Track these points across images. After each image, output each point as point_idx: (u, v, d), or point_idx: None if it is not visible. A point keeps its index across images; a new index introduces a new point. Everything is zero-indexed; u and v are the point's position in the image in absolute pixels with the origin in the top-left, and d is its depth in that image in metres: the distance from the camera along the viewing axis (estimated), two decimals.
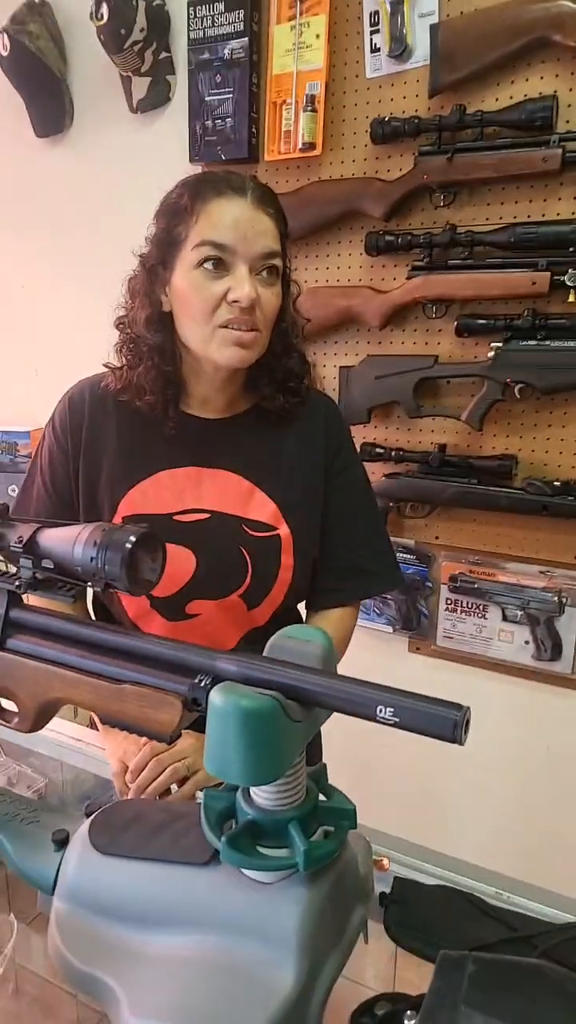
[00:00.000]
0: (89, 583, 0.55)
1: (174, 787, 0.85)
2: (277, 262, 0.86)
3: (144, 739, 0.85)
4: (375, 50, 1.45)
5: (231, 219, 0.82)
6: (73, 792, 0.93)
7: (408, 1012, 0.50)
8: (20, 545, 0.56)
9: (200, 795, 0.85)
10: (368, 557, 1.02)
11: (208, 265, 0.82)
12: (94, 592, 1.00)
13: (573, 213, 1.34)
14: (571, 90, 1.31)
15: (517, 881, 0.73)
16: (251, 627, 0.94)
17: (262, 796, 0.52)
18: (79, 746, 0.97)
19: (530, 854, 1.57)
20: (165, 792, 0.84)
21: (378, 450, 1.56)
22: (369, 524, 1.03)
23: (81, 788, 0.93)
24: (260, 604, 0.93)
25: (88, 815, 0.62)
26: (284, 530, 0.93)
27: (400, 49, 1.41)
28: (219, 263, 0.82)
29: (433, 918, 0.65)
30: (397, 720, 0.47)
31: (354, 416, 1.56)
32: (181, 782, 0.85)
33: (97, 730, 0.97)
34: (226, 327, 0.84)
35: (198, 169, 1.65)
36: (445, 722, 0.45)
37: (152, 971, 0.52)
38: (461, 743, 0.46)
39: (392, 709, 0.47)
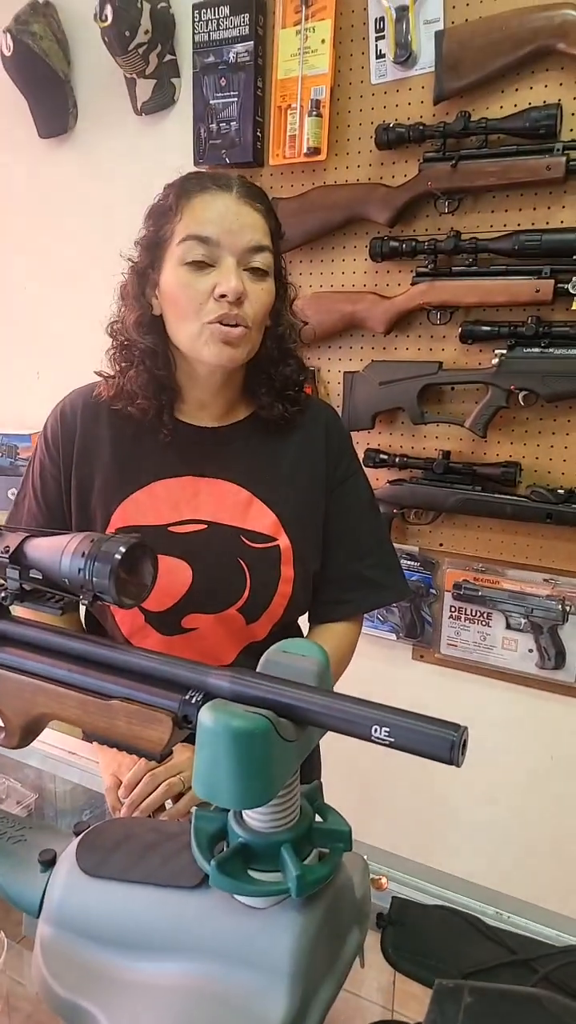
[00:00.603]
0: (77, 595, 0.54)
1: (168, 803, 0.83)
2: (265, 257, 0.84)
3: None
4: (380, 56, 1.44)
5: (215, 213, 0.81)
6: (66, 807, 0.91)
7: None
8: (6, 555, 0.55)
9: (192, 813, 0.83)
10: (374, 568, 1.00)
11: (194, 262, 0.81)
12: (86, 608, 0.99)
13: None
14: (575, 98, 1.30)
15: (518, 900, 0.71)
16: (250, 641, 0.92)
17: (254, 818, 0.51)
18: (72, 759, 0.95)
19: (534, 870, 1.55)
20: (159, 808, 0.82)
21: (382, 456, 1.55)
22: (374, 534, 1.01)
23: (75, 803, 0.92)
24: (259, 618, 0.91)
25: (77, 834, 0.60)
26: (284, 541, 0.91)
27: (405, 55, 1.40)
28: (204, 259, 0.81)
29: (431, 940, 0.63)
30: (392, 740, 0.45)
31: (358, 422, 1.55)
32: (176, 798, 0.83)
33: (91, 743, 0.96)
34: (214, 323, 0.82)
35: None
36: (442, 743, 0.44)
37: (138, 1000, 0.51)
38: (458, 765, 0.44)
39: (388, 729, 0.45)
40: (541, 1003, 0.46)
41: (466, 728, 0.45)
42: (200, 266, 0.81)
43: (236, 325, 0.82)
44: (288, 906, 0.50)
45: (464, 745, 0.44)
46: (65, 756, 0.96)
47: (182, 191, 0.83)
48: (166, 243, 0.83)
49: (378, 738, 0.46)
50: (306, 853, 0.52)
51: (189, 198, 0.82)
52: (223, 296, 0.80)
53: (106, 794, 0.84)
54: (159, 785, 0.81)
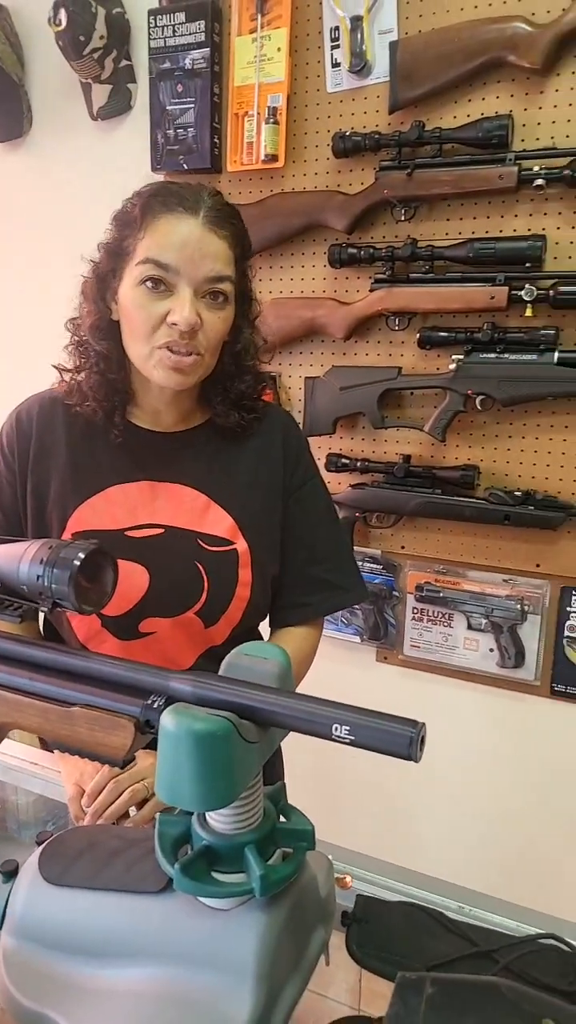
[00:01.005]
0: (36, 602, 0.53)
1: (132, 810, 0.82)
2: (225, 287, 0.83)
3: None
4: (336, 65, 1.46)
5: (178, 239, 0.79)
6: (28, 818, 0.90)
7: None
8: None
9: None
10: (333, 571, 1.01)
11: (150, 284, 0.80)
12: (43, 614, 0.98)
13: (529, 230, 1.36)
14: (525, 110, 1.34)
15: (480, 895, 0.72)
16: (208, 646, 0.92)
17: (217, 820, 0.51)
18: (34, 770, 0.94)
19: (496, 865, 1.58)
20: (123, 816, 0.81)
21: (344, 461, 1.56)
22: (332, 538, 1.02)
23: (37, 814, 0.90)
24: (217, 622, 0.91)
25: (39, 844, 0.60)
26: (242, 545, 0.92)
27: (360, 65, 1.42)
28: (162, 282, 0.80)
29: (395, 936, 0.64)
30: (353, 739, 0.46)
31: (320, 427, 1.56)
32: (140, 804, 0.82)
33: (52, 752, 0.95)
34: (164, 348, 0.81)
35: (160, 178, 1.64)
36: (400, 739, 0.45)
37: (104, 1007, 0.51)
38: (416, 760, 0.45)
39: (348, 727, 0.46)
40: (500, 990, 0.48)
41: (423, 724, 0.46)
42: (157, 288, 0.80)
43: (188, 353, 0.82)
44: (252, 906, 0.50)
45: (422, 741, 0.45)
46: (27, 767, 0.95)
47: (148, 207, 0.81)
48: (127, 256, 0.83)
49: (338, 736, 0.46)
50: (270, 853, 0.52)
51: (155, 216, 0.80)
52: (175, 324, 0.80)
53: (69, 804, 0.83)
54: (123, 792, 0.80)
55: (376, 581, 1.61)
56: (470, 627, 1.55)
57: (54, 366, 0.91)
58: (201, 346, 0.82)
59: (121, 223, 0.84)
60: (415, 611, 1.60)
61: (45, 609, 0.53)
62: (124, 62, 1.65)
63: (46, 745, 1.01)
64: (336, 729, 0.46)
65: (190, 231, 0.80)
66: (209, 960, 0.49)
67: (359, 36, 1.42)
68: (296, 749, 1.01)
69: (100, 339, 0.86)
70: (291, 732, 0.51)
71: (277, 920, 0.51)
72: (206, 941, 0.50)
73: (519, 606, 1.49)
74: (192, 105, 1.56)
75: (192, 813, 0.53)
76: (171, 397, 0.90)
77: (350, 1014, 0.61)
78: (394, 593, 1.62)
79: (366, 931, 0.65)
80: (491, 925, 0.69)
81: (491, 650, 1.54)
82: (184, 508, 0.90)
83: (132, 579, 0.88)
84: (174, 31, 1.55)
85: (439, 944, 0.64)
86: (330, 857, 0.61)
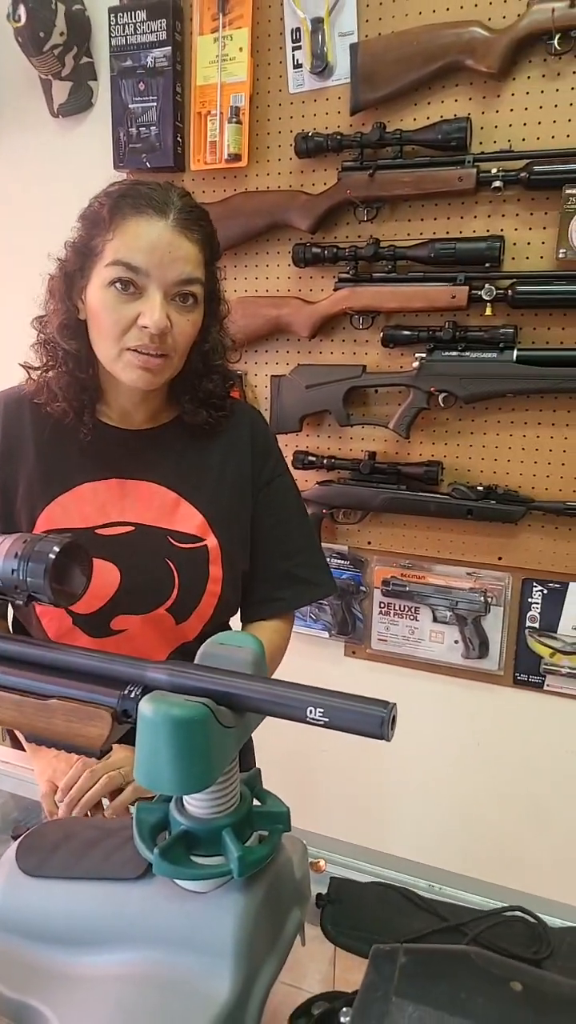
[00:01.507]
0: (10, 597, 0.54)
1: (105, 801, 0.83)
2: (195, 289, 0.83)
3: (75, 757, 0.83)
4: (297, 66, 1.48)
5: (147, 242, 0.79)
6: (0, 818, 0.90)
7: (344, 1009, 0.51)
8: None
9: (132, 809, 0.84)
10: (304, 565, 1.02)
11: (119, 286, 0.80)
12: (13, 612, 0.97)
13: (488, 231, 1.39)
14: (483, 113, 1.37)
15: (449, 873, 0.75)
16: (180, 642, 0.93)
17: (195, 804, 0.52)
18: (5, 768, 0.93)
19: (463, 846, 1.62)
20: (97, 807, 0.82)
21: (310, 458, 1.58)
22: (302, 533, 1.04)
23: (7, 813, 0.90)
24: (188, 618, 0.92)
25: (15, 838, 0.60)
26: (212, 541, 0.92)
27: (321, 66, 1.44)
28: (131, 284, 0.80)
29: (368, 915, 0.66)
30: (327, 720, 0.48)
31: (286, 424, 1.58)
32: (115, 795, 0.83)
33: (23, 750, 0.94)
34: (134, 350, 0.81)
35: (123, 176, 1.64)
36: (372, 720, 0.46)
37: (86, 993, 0.51)
38: (388, 739, 0.47)
39: (322, 709, 0.47)
40: (470, 957, 0.50)
41: (394, 704, 0.48)
42: (127, 290, 0.80)
43: (157, 355, 0.82)
44: (230, 888, 0.52)
45: (393, 720, 0.47)
46: None
47: (117, 208, 0.80)
48: (95, 256, 0.82)
49: (313, 719, 0.48)
50: (247, 836, 0.53)
51: (124, 218, 0.80)
52: (145, 327, 0.80)
53: (42, 800, 0.83)
54: (98, 780, 0.81)
55: (343, 576, 1.63)
56: (435, 620, 1.58)
57: (21, 365, 0.91)
58: (170, 348, 0.83)
59: (89, 222, 0.83)
60: (382, 605, 1.63)
61: (21, 602, 0.53)
62: (85, 59, 1.64)
63: (16, 743, 1.01)
64: (311, 712, 0.48)
65: (159, 234, 0.79)
66: (189, 942, 0.50)
67: (320, 38, 1.44)
68: (268, 741, 1.03)
69: (68, 338, 0.85)
70: (266, 719, 0.52)
71: (254, 901, 0.52)
72: (185, 924, 0.51)
73: (482, 598, 1.53)
74: (154, 103, 1.57)
75: (170, 800, 0.54)
76: (140, 396, 0.90)
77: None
78: (361, 588, 1.64)
79: (340, 911, 0.67)
80: (460, 901, 0.71)
81: (456, 642, 1.57)
82: (154, 505, 0.91)
83: (103, 577, 0.88)
84: (135, 29, 1.55)
85: (411, 921, 0.66)
86: (304, 842, 0.62)
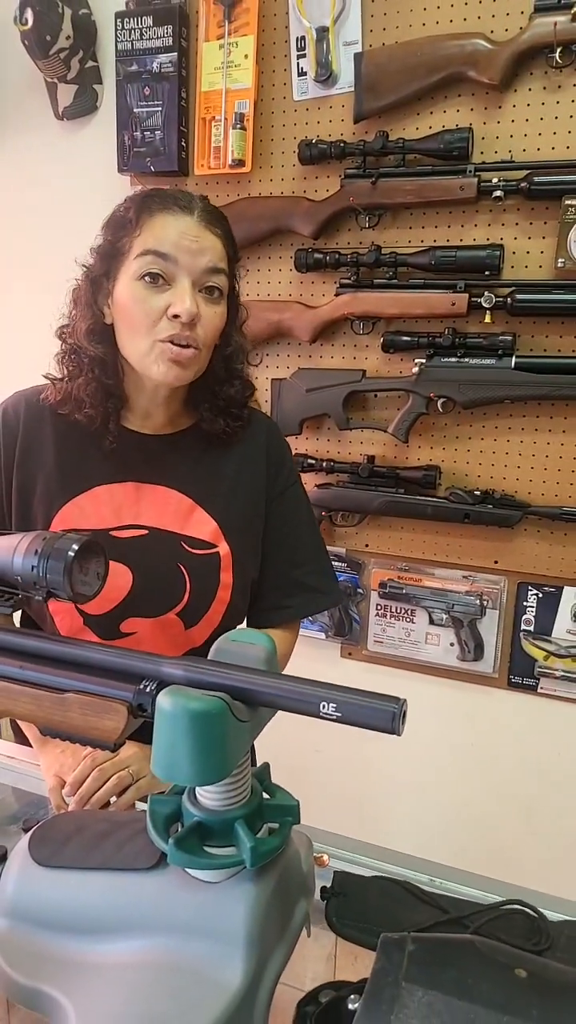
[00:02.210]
0: (30, 593, 0.55)
1: (112, 799, 0.84)
2: (221, 280, 0.85)
3: (82, 752, 0.84)
4: (302, 74, 1.50)
5: (176, 232, 0.82)
6: (4, 813, 0.90)
7: (352, 996, 0.52)
8: None
9: (139, 804, 0.85)
10: (312, 575, 1.03)
11: (149, 277, 0.82)
12: (23, 611, 0.98)
13: (488, 239, 1.42)
14: (485, 123, 1.40)
15: (448, 867, 0.76)
16: (189, 647, 0.93)
17: (208, 797, 0.53)
18: (11, 764, 0.94)
19: (460, 843, 1.64)
20: (104, 805, 0.83)
21: (310, 461, 1.60)
22: (312, 543, 1.05)
23: (9, 809, 0.91)
24: (198, 623, 0.93)
25: (26, 830, 0.61)
26: (224, 548, 0.93)
27: (326, 75, 1.46)
28: (160, 276, 0.82)
29: (371, 907, 0.67)
30: (340, 715, 0.49)
31: (286, 428, 1.59)
32: (120, 793, 0.84)
33: (29, 746, 0.95)
34: (166, 342, 0.83)
35: (126, 179, 1.66)
36: (384, 714, 0.48)
37: (100, 980, 0.52)
38: (399, 734, 0.48)
39: (334, 704, 0.49)
40: (475, 945, 0.51)
41: (405, 700, 0.49)
42: (156, 282, 0.82)
43: (187, 346, 0.83)
44: (241, 878, 0.53)
45: (404, 716, 0.49)
46: (2, 760, 0.95)
47: (144, 206, 0.83)
48: (123, 255, 0.84)
49: (326, 714, 0.49)
50: (258, 828, 0.55)
51: (151, 214, 0.83)
52: (176, 316, 0.81)
53: (50, 795, 0.84)
54: (108, 779, 0.82)
55: (341, 579, 1.65)
56: (432, 622, 1.60)
57: (45, 376, 0.91)
58: (199, 339, 0.84)
59: (115, 226, 0.85)
60: (379, 607, 1.65)
61: (40, 598, 0.55)
62: (90, 63, 1.66)
63: (21, 738, 1.02)
64: (324, 707, 0.49)
65: (187, 225, 0.82)
66: (201, 930, 0.52)
67: (325, 46, 1.46)
68: (271, 741, 1.04)
69: (95, 343, 0.86)
70: (277, 714, 0.54)
71: (265, 891, 0.53)
72: (198, 912, 0.52)
73: (478, 601, 1.55)
74: (159, 108, 1.58)
75: (182, 793, 0.56)
76: (164, 398, 0.91)
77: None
78: (358, 590, 1.66)
79: (344, 903, 0.68)
80: (460, 895, 0.73)
81: (452, 644, 1.59)
82: (169, 510, 0.92)
83: (115, 579, 0.88)
84: (141, 35, 1.56)
85: (413, 914, 0.68)
86: (309, 837, 0.64)
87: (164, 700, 0.48)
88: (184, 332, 0.82)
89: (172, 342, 0.83)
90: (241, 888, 0.53)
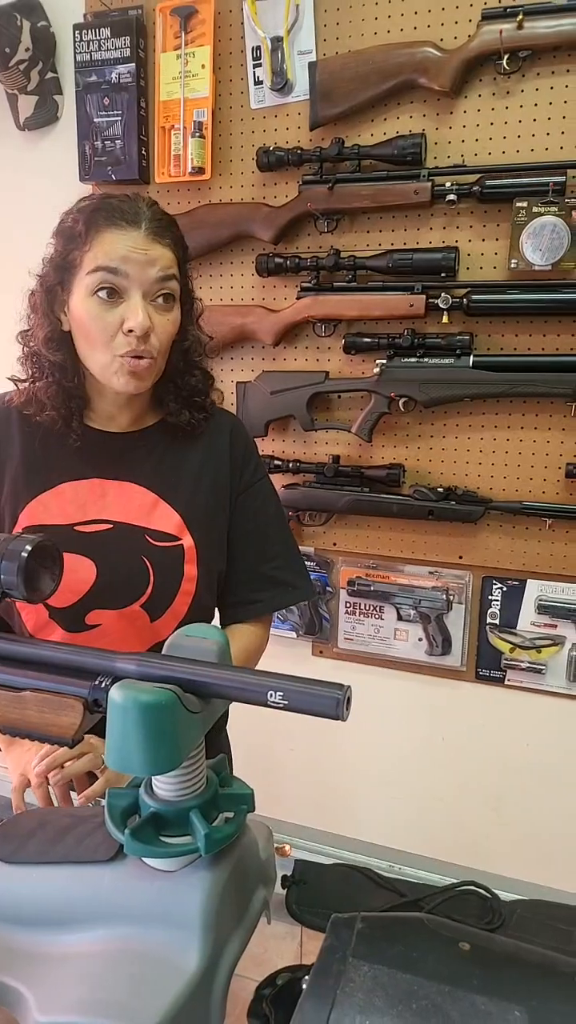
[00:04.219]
0: None
1: (74, 795, 0.85)
2: (172, 286, 0.87)
3: (48, 751, 0.85)
4: (258, 82, 1.52)
5: (123, 248, 0.83)
6: None
7: (305, 977, 0.54)
8: None
9: (102, 801, 0.86)
10: (282, 569, 1.05)
11: (102, 293, 0.83)
12: None
13: (443, 242, 1.45)
14: (437, 129, 1.43)
15: (408, 854, 0.79)
16: (155, 640, 0.94)
17: (164, 787, 0.55)
18: None
19: (431, 833, 1.66)
20: (68, 801, 0.84)
21: (276, 462, 1.62)
22: (281, 537, 1.06)
23: None
24: (163, 615, 0.94)
25: None
26: (188, 541, 0.95)
27: (281, 83, 1.49)
28: (113, 290, 0.83)
29: (331, 894, 0.69)
30: (287, 703, 0.51)
31: (252, 430, 1.61)
32: (89, 783, 0.85)
33: None
34: (124, 357, 0.85)
35: (89, 188, 1.67)
36: (328, 701, 0.50)
37: (60, 970, 0.54)
38: (343, 719, 0.50)
39: (281, 693, 0.51)
40: (422, 922, 0.53)
41: (349, 687, 0.51)
42: (110, 297, 0.83)
43: (143, 357, 0.85)
44: (197, 866, 0.54)
45: (348, 702, 0.51)
46: None
47: (91, 221, 0.84)
48: (75, 268, 0.85)
49: (274, 702, 0.51)
50: (213, 817, 0.56)
51: (99, 230, 0.83)
52: (131, 331, 0.83)
53: (12, 795, 0.85)
54: (81, 757, 0.83)
55: (311, 578, 1.67)
56: (400, 618, 1.63)
57: (9, 378, 0.93)
58: (154, 349, 0.86)
59: (65, 238, 0.86)
60: (348, 605, 1.67)
61: None
62: (50, 74, 1.67)
63: None
64: (271, 695, 0.51)
65: (135, 241, 0.84)
66: (159, 918, 0.53)
67: (279, 56, 1.49)
68: (238, 733, 1.06)
69: (54, 350, 0.88)
70: (232, 705, 0.56)
71: (220, 878, 0.55)
72: (155, 901, 0.54)
73: (445, 596, 1.58)
74: (119, 118, 1.60)
75: (139, 786, 0.57)
76: (125, 400, 0.93)
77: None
78: (328, 588, 1.68)
79: (304, 891, 0.70)
80: (419, 880, 0.75)
81: (420, 639, 1.62)
82: (133, 505, 0.94)
83: (80, 572, 0.90)
84: (100, 46, 1.58)
85: (371, 899, 0.70)
86: (269, 827, 0.65)
87: (116, 693, 0.50)
88: (140, 346, 0.85)
89: (129, 356, 0.85)
90: (197, 875, 0.54)
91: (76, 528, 0.92)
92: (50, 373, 0.89)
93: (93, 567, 0.91)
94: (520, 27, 1.31)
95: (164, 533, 0.94)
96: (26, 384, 0.92)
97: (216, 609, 1.05)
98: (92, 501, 0.93)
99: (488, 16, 1.33)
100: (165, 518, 0.95)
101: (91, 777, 0.86)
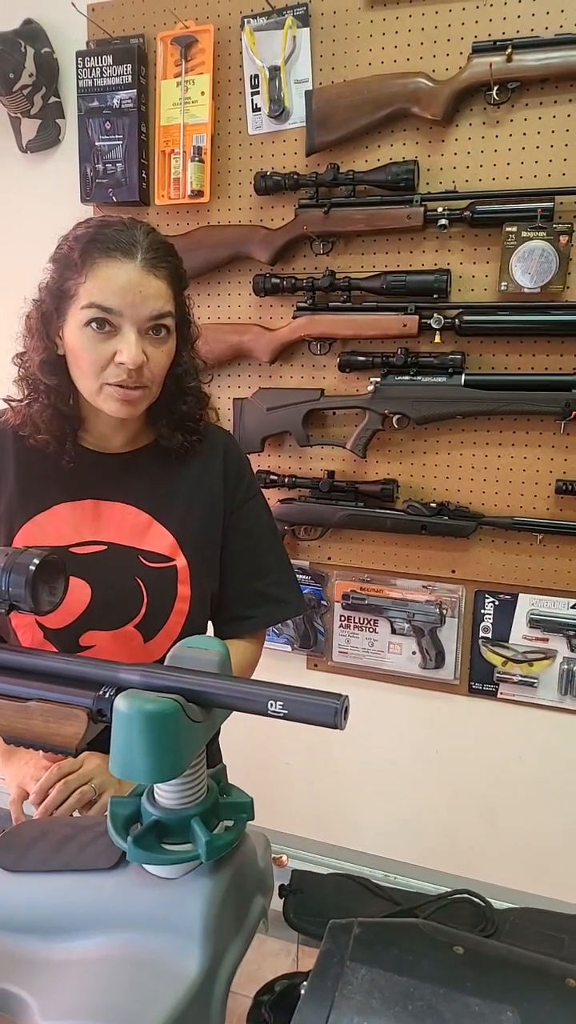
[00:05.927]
0: None
1: (76, 813, 0.85)
2: (167, 321, 0.87)
3: (44, 764, 0.86)
4: (256, 109, 1.56)
5: (118, 284, 0.82)
6: None
7: (303, 983, 0.55)
8: None
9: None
10: (275, 585, 1.06)
11: (96, 324, 0.83)
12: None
13: (435, 264, 1.49)
14: (429, 156, 1.47)
15: (403, 863, 0.80)
16: (148, 661, 0.95)
17: (165, 796, 0.56)
18: None
19: (426, 844, 1.67)
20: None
21: (272, 477, 1.64)
22: (274, 553, 1.07)
23: None
24: (156, 635, 0.95)
25: None
26: (181, 561, 0.96)
27: (279, 111, 1.53)
28: (106, 323, 0.83)
29: (327, 902, 0.70)
30: (286, 712, 0.53)
31: (248, 446, 1.64)
32: (86, 808, 0.86)
33: None
34: (114, 386, 0.85)
35: (90, 209, 1.70)
36: (327, 710, 0.52)
37: (63, 976, 0.55)
38: (341, 728, 0.52)
39: (281, 702, 0.52)
40: (418, 927, 0.55)
41: (347, 696, 0.53)
42: (103, 328, 0.83)
43: (136, 387, 0.86)
44: (198, 874, 0.56)
45: (346, 711, 0.53)
46: None
47: (87, 253, 0.83)
48: (69, 298, 0.85)
49: (274, 712, 0.53)
50: (214, 825, 0.58)
51: (94, 263, 0.83)
52: (123, 364, 0.84)
53: (11, 807, 0.85)
54: (72, 793, 0.83)
55: (305, 592, 1.69)
56: (394, 632, 1.65)
57: (5, 399, 0.94)
58: (147, 379, 0.87)
59: (61, 265, 0.86)
60: (342, 619, 1.69)
61: (2, 611, 0.58)
62: (53, 99, 1.71)
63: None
64: (271, 705, 0.53)
65: (129, 276, 0.83)
66: (160, 924, 0.55)
67: (277, 84, 1.53)
68: (234, 746, 1.07)
69: (49, 374, 0.89)
70: (232, 716, 0.57)
71: (220, 886, 0.56)
72: (156, 908, 0.55)
73: (438, 610, 1.60)
74: (120, 142, 1.63)
75: (141, 795, 0.59)
76: (119, 423, 0.93)
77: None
78: (322, 602, 1.70)
79: (301, 900, 0.71)
80: (414, 889, 0.76)
81: (414, 653, 1.64)
82: (127, 526, 0.94)
83: (74, 594, 0.91)
84: (102, 72, 1.62)
85: (367, 907, 0.71)
86: (267, 836, 0.67)
87: (120, 703, 0.52)
88: (131, 379, 0.85)
89: (120, 385, 0.85)
90: (197, 883, 0.56)
91: (71, 550, 0.92)
92: (46, 396, 0.90)
93: (87, 588, 0.92)
94: (509, 60, 1.35)
95: (157, 554, 0.95)
96: (22, 405, 0.92)
97: (210, 625, 1.06)
98: (86, 522, 0.93)
99: (479, 49, 1.38)
100: (158, 539, 0.95)
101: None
